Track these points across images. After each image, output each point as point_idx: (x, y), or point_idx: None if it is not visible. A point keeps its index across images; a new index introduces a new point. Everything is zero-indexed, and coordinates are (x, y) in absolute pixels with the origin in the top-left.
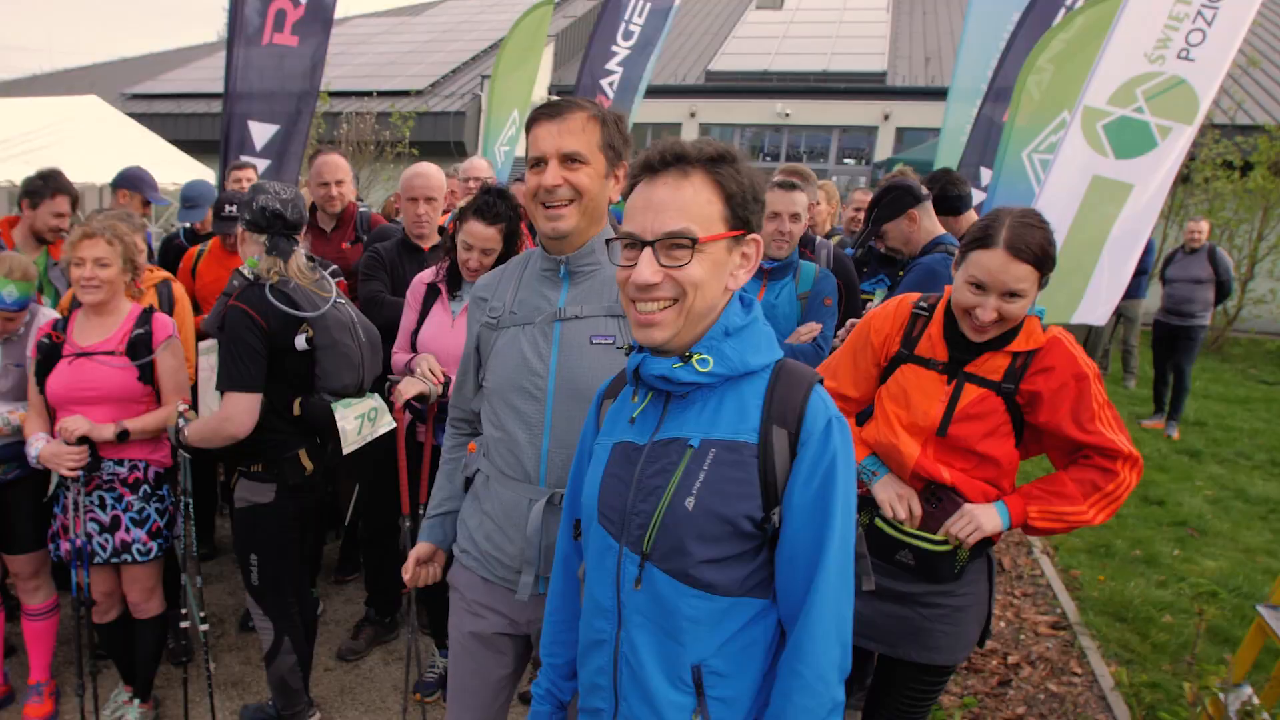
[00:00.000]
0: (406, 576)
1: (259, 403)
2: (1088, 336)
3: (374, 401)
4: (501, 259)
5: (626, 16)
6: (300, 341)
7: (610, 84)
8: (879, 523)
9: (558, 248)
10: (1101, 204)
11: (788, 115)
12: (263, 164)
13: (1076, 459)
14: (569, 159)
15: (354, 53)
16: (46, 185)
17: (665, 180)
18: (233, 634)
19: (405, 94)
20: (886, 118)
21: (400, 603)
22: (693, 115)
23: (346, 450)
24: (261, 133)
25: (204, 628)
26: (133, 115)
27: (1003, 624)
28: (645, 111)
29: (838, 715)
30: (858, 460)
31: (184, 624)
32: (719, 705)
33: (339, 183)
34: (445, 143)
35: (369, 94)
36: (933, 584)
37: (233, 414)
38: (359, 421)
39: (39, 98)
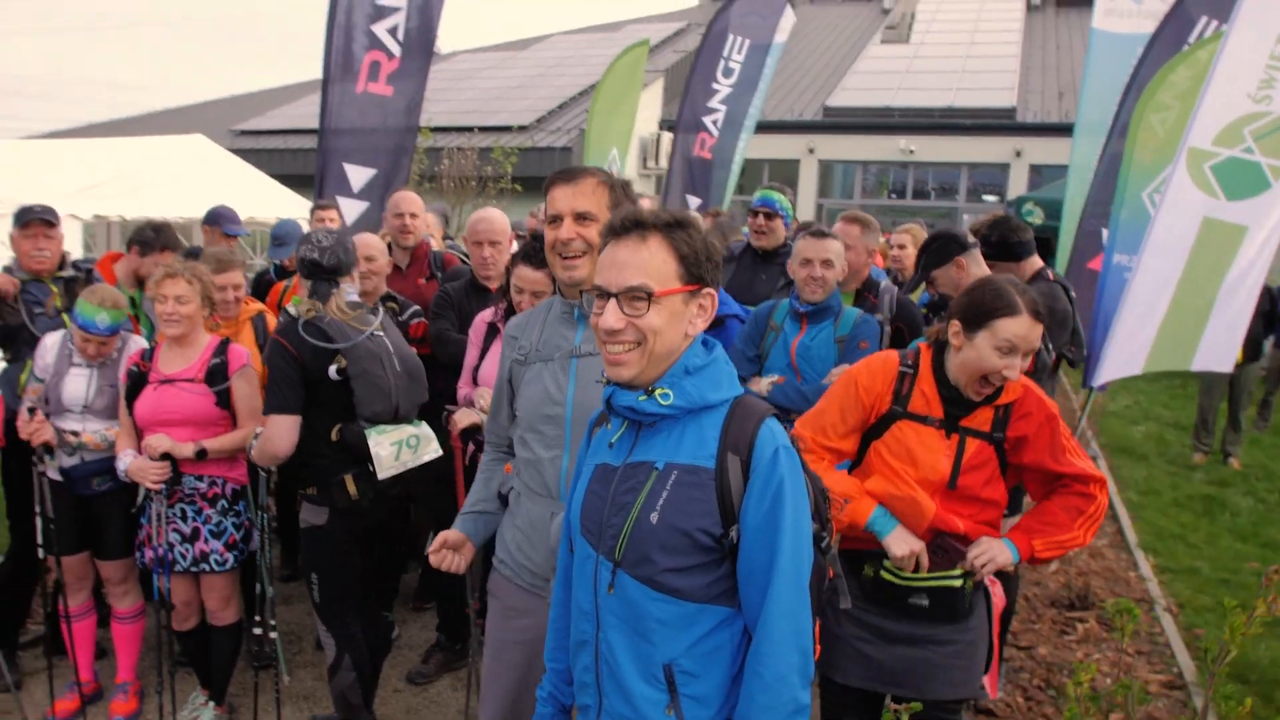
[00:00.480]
0: (433, 558)
1: (297, 424)
2: (1220, 383)
3: (414, 429)
4: None
5: (726, 54)
6: (332, 371)
7: (714, 121)
8: (885, 574)
9: (573, 293)
10: (1214, 247)
11: (912, 152)
12: (361, 205)
13: (1055, 488)
14: (581, 217)
15: (458, 88)
16: (157, 239)
17: (627, 242)
18: (309, 651)
19: (509, 129)
20: (1019, 154)
21: (470, 631)
22: (811, 151)
23: (382, 475)
24: (359, 176)
25: (273, 635)
26: (241, 150)
27: (1109, 680)
28: (762, 147)
29: (802, 717)
30: (865, 514)
31: (256, 630)
32: (691, 703)
33: (412, 215)
34: None
35: (471, 130)
36: (947, 623)
37: (273, 434)
38: (395, 448)
39: (147, 136)
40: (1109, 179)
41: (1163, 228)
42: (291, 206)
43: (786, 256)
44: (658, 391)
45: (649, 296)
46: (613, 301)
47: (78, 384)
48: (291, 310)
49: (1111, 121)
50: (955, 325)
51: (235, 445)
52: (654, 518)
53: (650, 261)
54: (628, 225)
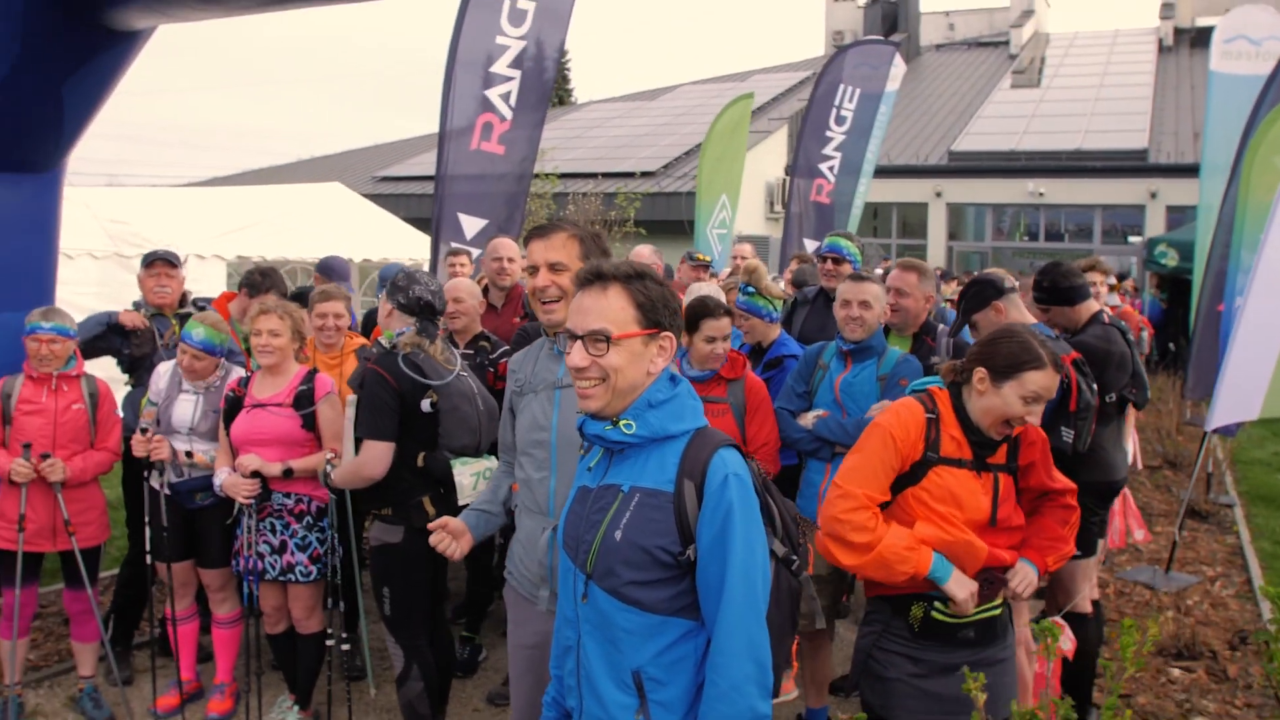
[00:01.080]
0: (432, 538)
1: (391, 450)
2: None
3: (490, 463)
4: None
5: (837, 103)
6: (425, 405)
7: (830, 168)
8: (937, 614)
9: (553, 333)
10: None
11: (1041, 194)
12: (473, 252)
13: (1042, 503)
14: (554, 266)
15: (588, 136)
16: (264, 281)
17: (591, 291)
18: (398, 666)
19: (633, 175)
20: (1154, 195)
21: None
22: (939, 195)
23: (462, 502)
24: (471, 225)
25: (345, 647)
26: (380, 196)
27: None
28: (889, 191)
29: None
30: (926, 564)
31: (345, 645)
32: (659, 708)
33: (509, 260)
34: (677, 221)
35: (596, 176)
36: (991, 645)
37: (368, 459)
38: (474, 479)
39: (289, 184)
40: (1231, 220)
41: (1268, 267)
42: (421, 248)
43: None
44: (622, 422)
45: (608, 339)
46: (579, 343)
47: (185, 408)
48: (385, 342)
49: (1233, 163)
50: (981, 373)
51: (317, 466)
52: (619, 535)
53: (610, 309)
54: (591, 277)
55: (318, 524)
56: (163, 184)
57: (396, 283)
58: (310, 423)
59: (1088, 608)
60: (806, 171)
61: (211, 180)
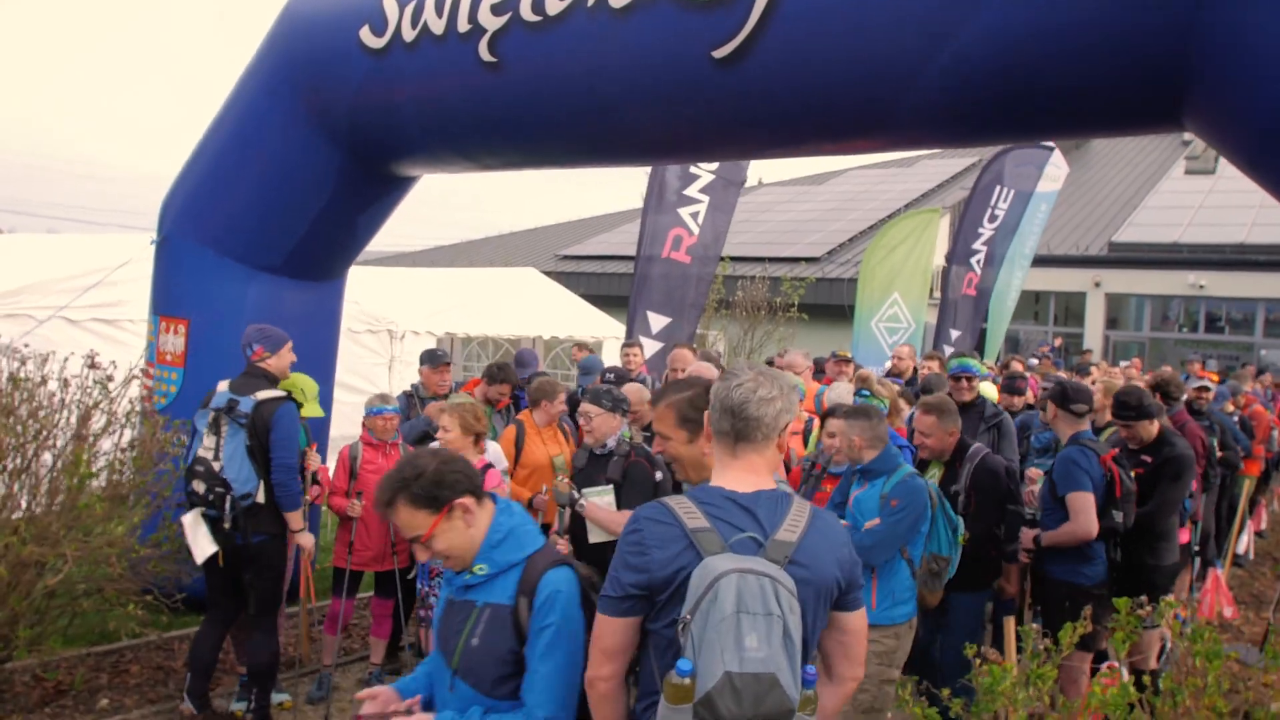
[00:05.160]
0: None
1: None
2: None
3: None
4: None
5: (993, 202)
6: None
7: (976, 260)
8: None
9: None
10: None
11: (1202, 286)
12: (657, 345)
13: None
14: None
15: (758, 220)
16: (500, 373)
17: (394, 512)
18: None
19: (799, 260)
20: None
21: None
22: (1097, 285)
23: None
24: (658, 322)
25: None
26: (562, 273)
27: None
28: (1046, 280)
29: None
30: None
31: None
32: None
33: (682, 370)
34: (838, 306)
35: (764, 260)
36: None
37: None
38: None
39: (486, 268)
40: None
41: None
42: (597, 325)
43: (981, 407)
44: (476, 567)
45: (419, 539)
46: (416, 545)
47: None
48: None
49: None
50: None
51: None
52: (474, 641)
53: (407, 520)
54: (382, 504)
55: None
56: (367, 258)
57: (598, 389)
58: None
59: (1154, 664)
60: (963, 259)
61: (402, 256)
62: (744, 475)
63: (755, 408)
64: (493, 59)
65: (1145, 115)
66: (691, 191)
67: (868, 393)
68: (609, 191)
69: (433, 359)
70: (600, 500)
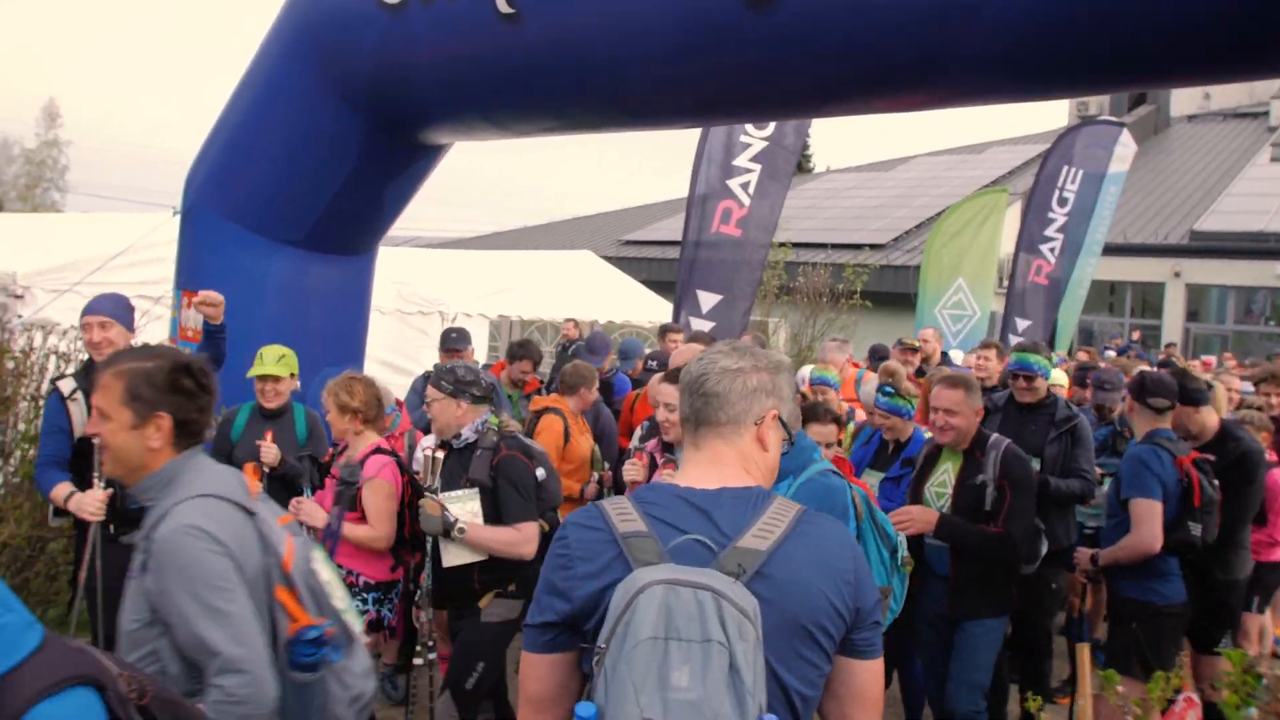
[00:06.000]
0: None
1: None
2: None
3: None
4: None
5: (1060, 184)
6: (540, 474)
7: (1051, 249)
8: None
9: None
10: None
11: None
12: (709, 324)
13: None
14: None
15: (823, 206)
16: (519, 350)
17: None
18: None
19: (864, 247)
20: None
21: None
22: (1177, 275)
23: None
24: (708, 300)
25: None
26: (623, 258)
27: None
28: (1124, 270)
29: None
30: None
31: None
32: None
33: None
34: (904, 294)
35: (825, 247)
36: None
37: (531, 538)
38: None
39: (539, 250)
40: None
41: None
42: (658, 311)
43: (1051, 409)
44: None
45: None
46: None
47: None
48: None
49: None
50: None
51: (364, 536)
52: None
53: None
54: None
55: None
56: (425, 242)
57: (464, 378)
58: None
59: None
60: (1031, 249)
61: (460, 241)
62: (707, 470)
63: (715, 381)
64: (511, 10)
65: (1236, 57)
66: (741, 161)
67: (892, 389)
68: (675, 180)
69: (444, 342)
70: (463, 509)
